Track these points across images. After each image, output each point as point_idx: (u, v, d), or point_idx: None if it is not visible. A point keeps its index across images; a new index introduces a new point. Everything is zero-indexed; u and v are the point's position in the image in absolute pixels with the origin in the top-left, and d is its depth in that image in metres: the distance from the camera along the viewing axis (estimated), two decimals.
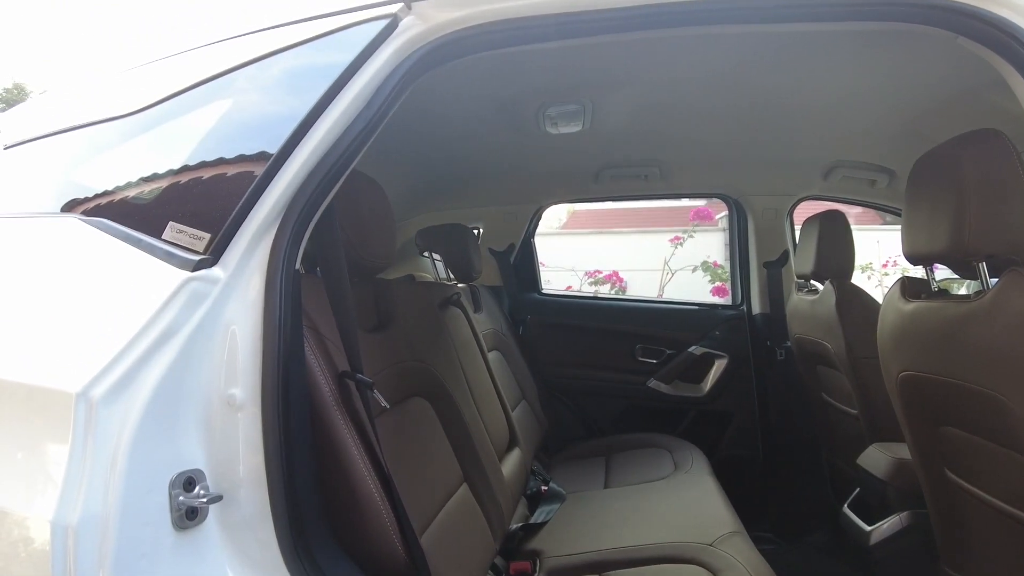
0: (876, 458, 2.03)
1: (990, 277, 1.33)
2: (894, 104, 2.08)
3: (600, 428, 3.10)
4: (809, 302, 2.47)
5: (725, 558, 1.62)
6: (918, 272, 1.59)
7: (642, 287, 6.13)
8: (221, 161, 1.11)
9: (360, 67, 1.08)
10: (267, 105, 1.17)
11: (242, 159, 1.09)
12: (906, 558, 1.90)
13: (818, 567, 2.58)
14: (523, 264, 3.29)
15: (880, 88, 1.98)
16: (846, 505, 2.15)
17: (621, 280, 5.88)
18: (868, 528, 1.97)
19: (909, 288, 1.63)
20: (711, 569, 1.59)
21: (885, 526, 1.93)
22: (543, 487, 2.29)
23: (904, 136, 2.28)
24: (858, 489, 2.16)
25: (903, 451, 1.80)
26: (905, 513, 1.90)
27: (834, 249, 2.33)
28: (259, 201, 1.01)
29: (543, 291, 3.37)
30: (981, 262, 1.35)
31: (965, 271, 1.47)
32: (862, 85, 1.96)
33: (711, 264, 5.27)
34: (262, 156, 1.06)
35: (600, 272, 5.82)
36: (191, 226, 1.03)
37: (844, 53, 1.76)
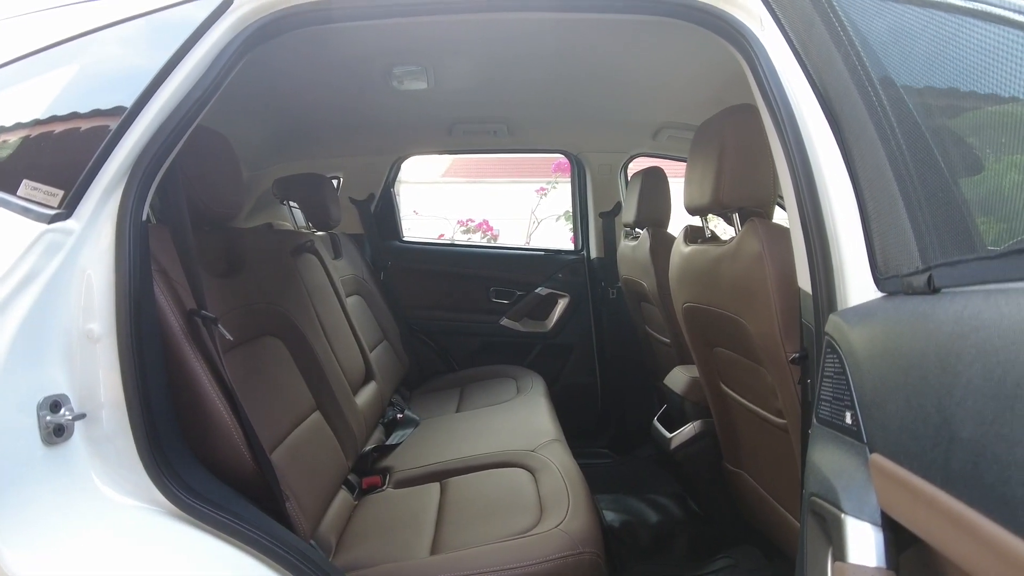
0: (677, 378, 2.38)
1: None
2: (703, 76, 2.36)
3: (458, 363, 3.36)
4: (631, 247, 2.79)
5: (543, 460, 1.92)
6: None
7: (512, 235, 6.33)
8: (72, 120, 1.21)
9: (198, 39, 1.20)
10: (116, 70, 1.26)
11: (93, 118, 1.19)
12: (699, 459, 2.24)
13: (643, 474, 2.95)
14: (384, 213, 3.43)
15: (690, 63, 2.24)
16: (655, 418, 2.49)
17: (491, 229, 6.03)
18: (669, 436, 2.32)
19: (690, 234, 1.97)
20: (530, 470, 1.88)
21: (683, 432, 2.27)
22: (399, 415, 2.52)
23: (714, 103, 2.57)
24: (665, 405, 2.52)
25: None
26: (698, 422, 2.22)
27: (652, 201, 2.66)
28: (108, 160, 1.14)
29: (403, 239, 3.54)
30: (734, 213, 1.69)
31: (728, 221, 1.79)
32: (676, 60, 2.22)
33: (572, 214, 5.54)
34: (112, 116, 1.17)
35: (472, 220, 5.94)
36: (45, 183, 1.15)
37: (654, 35, 1.99)
